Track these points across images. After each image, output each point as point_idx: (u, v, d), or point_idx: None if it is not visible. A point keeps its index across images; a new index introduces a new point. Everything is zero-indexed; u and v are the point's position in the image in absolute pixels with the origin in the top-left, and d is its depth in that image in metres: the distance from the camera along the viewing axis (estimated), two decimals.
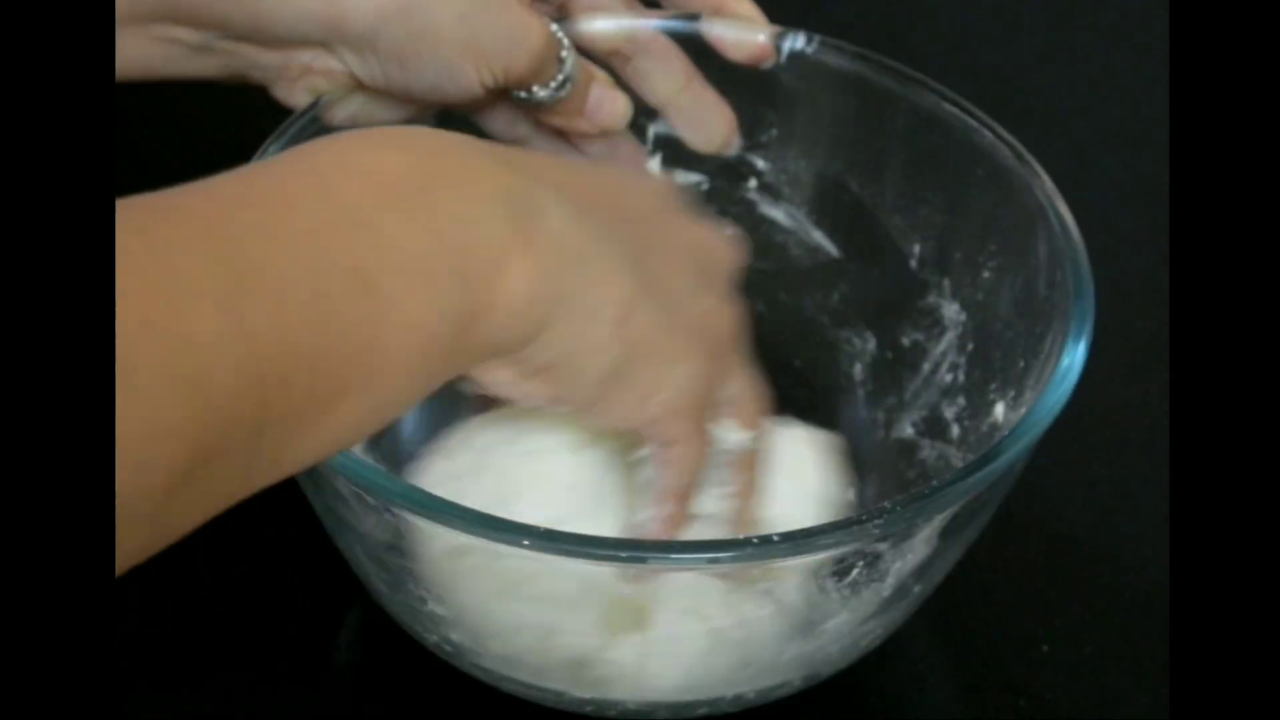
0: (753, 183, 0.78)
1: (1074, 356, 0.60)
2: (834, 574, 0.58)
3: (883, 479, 0.74)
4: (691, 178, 0.78)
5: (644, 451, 0.59)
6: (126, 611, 0.67)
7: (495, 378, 0.54)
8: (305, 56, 0.68)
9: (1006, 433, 0.58)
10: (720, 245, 0.63)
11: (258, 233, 0.45)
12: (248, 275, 0.43)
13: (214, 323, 0.42)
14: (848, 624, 0.61)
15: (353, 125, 0.70)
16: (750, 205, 0.78)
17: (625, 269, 0.55)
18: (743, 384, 0.61)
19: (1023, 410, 0.62)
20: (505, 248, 0.51)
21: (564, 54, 0.70)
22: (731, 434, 0.61)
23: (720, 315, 0.60)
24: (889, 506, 0.55)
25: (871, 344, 0.76)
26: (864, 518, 0.55)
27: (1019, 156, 0.68)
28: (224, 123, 0.79)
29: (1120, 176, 0.95)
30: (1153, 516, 0.75)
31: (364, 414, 0.47)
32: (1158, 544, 0.74)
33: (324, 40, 0.67)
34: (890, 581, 0.60)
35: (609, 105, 0.73)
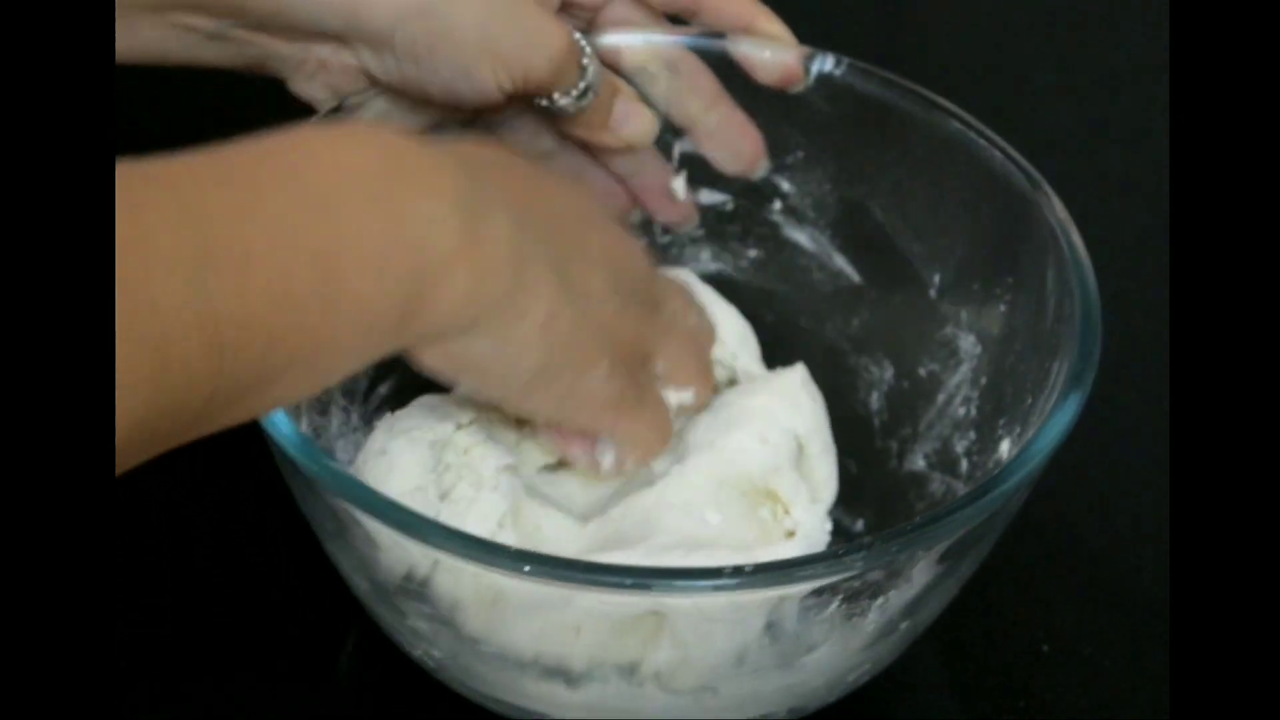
0: (777, 204, 0.77)
1: (1072, 399, 0.59)
2: (813, 606, 0.57)
3: (893, 511, 0.73)
4: (716, 197, 0.77)
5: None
6: (124, 623, 0.68)
7: (430, 365, 0.56)
8: (322, 51, 0.68)
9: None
10: (633, 252, 0.66)
11: (229, 211, 0.47)
12: (216, 250, 0.46)
13: (179, 291, 0.44)
14: (830, 657, 0.60)
15: None
16: (774, 227, 0.77)
17: (553, 276, 0.57)
18: (672, 352, 0.66)
19: None
20: (454, 246, 0.53)
21: (585, 62, 0.69)
22: (673, 397, 0.66)
23: (629, 315, 0.63)
24: (870, 541, 0.54)
25: (889, 373, 0.75)
26: (841, 552, 0.54)
27: (1033, 183, 0.67)
28: (243, 112, 0.79)
29: (1121, 176, 0.94)
30: (1153, 516, 0.75)
31: (304, 383, 0.51)
32: (1158, 544, 0.74)
33: (341, 33, 0.66)
34: (873, 616, 0.59)
35: (634, 120, 0.72)
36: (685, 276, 0.77)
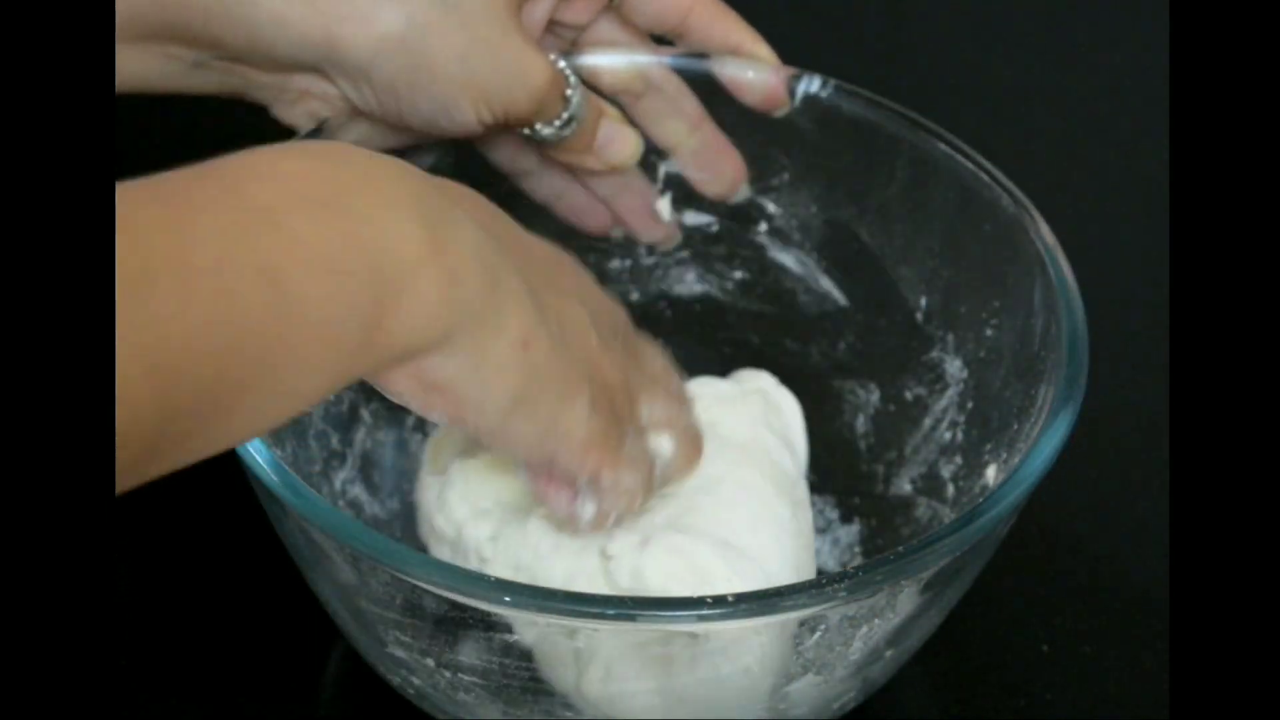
0: (763, 226, 0.76)
1: (1057, 428, 0.58)
2: (796, 635, 0.57)
3: (879, 535, 0.72)
4: (702, 218, 0.77)
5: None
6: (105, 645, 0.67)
7: (401, 389, 0.53)
8: (302, 81, 0.67)
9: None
10: (611, 301, 0.63)
11: (165, 229, 0.45)
12: (153, 269, 0.43)
13: (119, 311, 0.42)
14: (814, 685, 0.59)
15: None
16: (760, 249, 0.77)
17: (526, 297, 0.54)
18: (659, 401, 0.61)
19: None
20: (418, 251, 0.50)
21: (570, 92, 0.68)
22: (659, 443, 0.61)
23: (611, 353, 0.59)
24: (854, 570, 0.54)
25: (875, 396, 0.75)
26: (824, 581, 0.53)
27: (1020, 205, 0.66)
28: (227, 132, 0.79)
29: (1121, 176, 0.94)
30: (1153, 517, 0.75)
31: (269, 408, 0.48)
32: (1158, 544, 0.74)
33: (319, 67, 0.66)
34: (857, 645, 0.58)
35: (619, 142, 0.72)
36: None
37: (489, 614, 0.55)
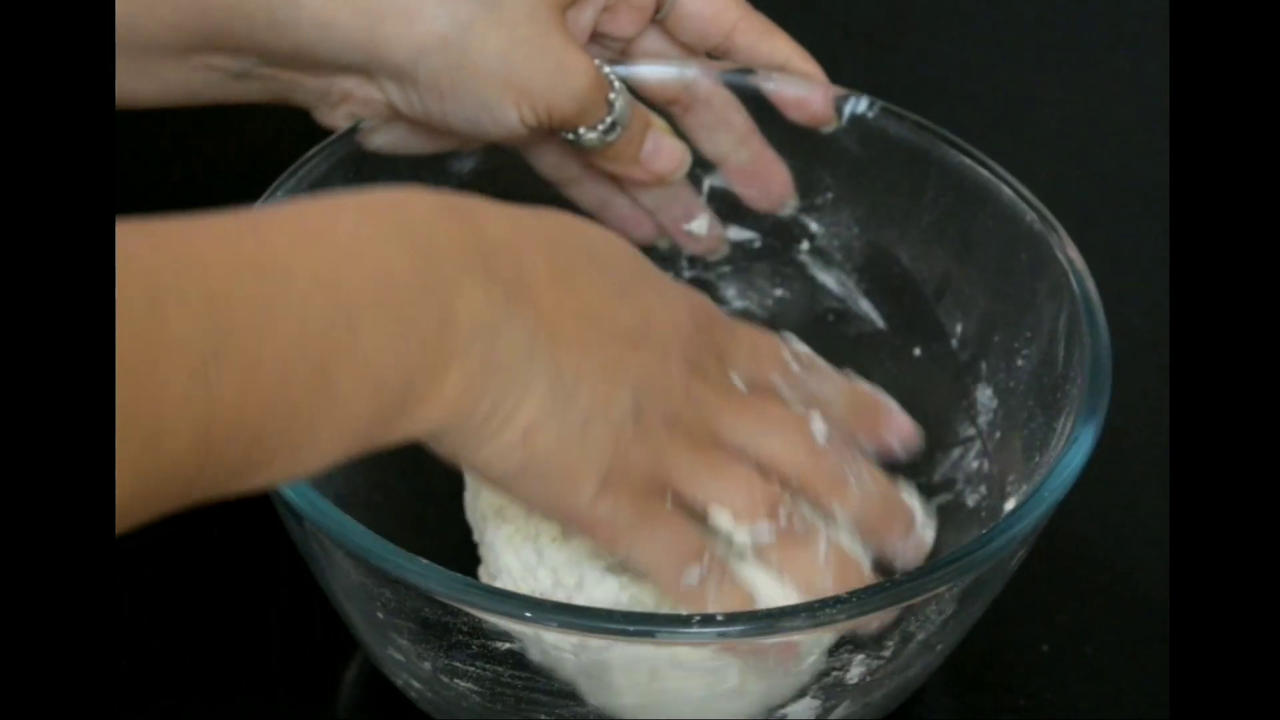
0: (805, 245, 0.76)
1: (1070, 463, 0.58)
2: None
3: None
4: (745, 234, 0.77)
5: None
6: (122, 651, 0.67)
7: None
8: (346, 84, 0.68)
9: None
10: (678, 383, 0.59)
11: (253, 310, 0.47)
12: (228, 349, 0.46)
13: (182, 384, 0.44)
14: (810, 710, 0.59)
15: (391, 152, 0.70)
16: (801, 267, 0.77)
17: (550, 390, 0.54)
18: (708, 484, 0.59)
19: None
20: (449, 360, 0.52)
21: (613, 96, 0.68)
22: (723, 522, 0.60)
23: (647, 442, 0.58)
24: (849, 595, 0.54)
25: None
26: (819, 605, 0.53)
27: (1057, 234, 0.66)
28: (259, 133, 0.80)
29: (1121, 177, 0.93)
30: (1153, 516, 0.75)
31: (284, 474, 0.51)
32: (1158, 544, 0.73)
33: (363, 68, 0.66)
34: (858, 670, 0.58)
35: (666, 154, 0.72)
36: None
37: (480, 621, 0.56)
